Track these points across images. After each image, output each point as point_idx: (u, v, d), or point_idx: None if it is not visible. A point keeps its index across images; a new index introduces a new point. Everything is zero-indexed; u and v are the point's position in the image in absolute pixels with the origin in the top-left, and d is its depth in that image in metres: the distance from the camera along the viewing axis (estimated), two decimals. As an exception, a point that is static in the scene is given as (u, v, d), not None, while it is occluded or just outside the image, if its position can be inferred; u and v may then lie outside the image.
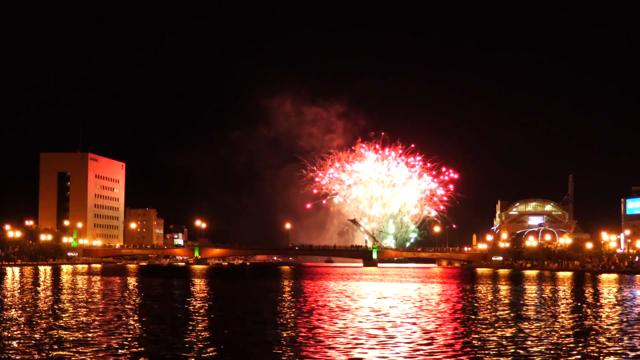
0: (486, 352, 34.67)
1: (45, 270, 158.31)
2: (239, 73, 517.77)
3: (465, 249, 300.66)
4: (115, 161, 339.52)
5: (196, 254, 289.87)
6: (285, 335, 40.31)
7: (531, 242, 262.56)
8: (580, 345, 37.41)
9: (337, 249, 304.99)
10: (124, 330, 41.66)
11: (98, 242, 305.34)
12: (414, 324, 46.18)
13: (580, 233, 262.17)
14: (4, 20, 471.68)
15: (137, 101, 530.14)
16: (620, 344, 38.05)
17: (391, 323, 46.40)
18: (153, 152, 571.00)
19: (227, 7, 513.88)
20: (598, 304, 67.11)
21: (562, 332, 42.76)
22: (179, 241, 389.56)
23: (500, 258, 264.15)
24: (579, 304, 66.80)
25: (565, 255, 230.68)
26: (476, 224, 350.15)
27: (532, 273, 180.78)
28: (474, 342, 38.01)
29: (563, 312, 56.96)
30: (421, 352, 34.26)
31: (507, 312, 56.60)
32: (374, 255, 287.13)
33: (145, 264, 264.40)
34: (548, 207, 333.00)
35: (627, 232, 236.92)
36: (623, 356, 34.12)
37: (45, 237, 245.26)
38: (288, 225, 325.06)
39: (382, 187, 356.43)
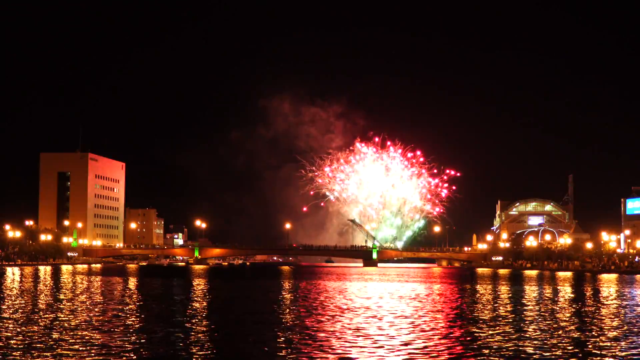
0: (486, 352, 34.66)
1: (45, 270, 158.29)
2: (239, 73, 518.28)
3: (465, 249, 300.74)
4: (115, 161, 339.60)
5: (196, 254, 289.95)
6: (285, 335, 40.31)
7: (531, 242, 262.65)
8: (580, 345, 37.42)
9: (338, 249, 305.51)
10: (124, 330, 41.64)
11: (98, 242, 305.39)
12: (414, 323, 46.17)
13: (580, 233, 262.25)
14: (4, 20, 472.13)
15: (137, 101, 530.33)
16: (620, 343, 38.06)
17: (391, 323, 46.40)
18: (153, 152, 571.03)
19: (227, 7, 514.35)
20: (598, 304, 67.09)
21: (562, 332, 42.75)
22: (179, 241, 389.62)
23: (500, 258, 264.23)
24: (579, 304, 66.79)
25: (565, 255, 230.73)
26: (476, 224, 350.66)
27: (532, 273, 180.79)
28: (474, 342, 38.00)
29: (563, 312, 56.94)
30: (421, 352, 34.26)
31: (506, 312, 56.59)
32: (374, 255, 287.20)
33: (145, 264, 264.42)
34: (548, 207, 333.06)
35: (627, 232, 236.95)
36: (623, 356, 34.12)
37: (45, 237, 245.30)
38: (288, 225, 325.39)
39: (381, 187, 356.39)
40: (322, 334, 40.28)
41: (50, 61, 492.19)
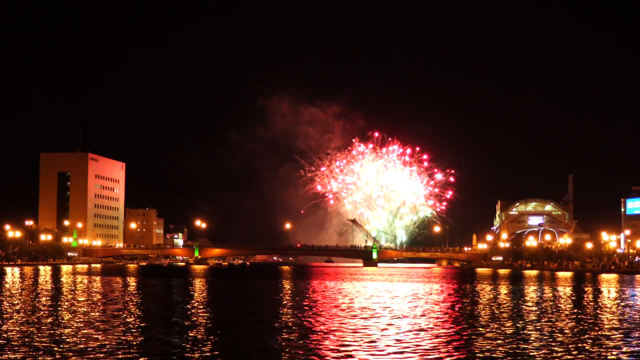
0: (486, 352, 34.65)
1: (45, 270, 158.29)
2: (239, 73, 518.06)
3: (465, 249, 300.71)
4: (115, 161, 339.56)
5: (196, 254, 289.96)
6: (284, 335, 40.29)
7: (531, 242, 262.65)
8: (580, 345, 37.40)
9: (338, 249, 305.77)
10: (124, 330, 41.64)
11: (98, 242, 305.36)
12: (413, 323, 46.17)
13: (580, 233, 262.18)
14: (4, 20, 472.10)
15: (137, 101, 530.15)
16: (620, 343, 38.04)
17: (390, 323, 46.39)
18: (153, 152, 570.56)
19: (227, 7, 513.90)
20: (598, 304, 67.09)
21: (561, 332, 42.74)
22: (179, 241, 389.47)
23: (500, 258, 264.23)
24: (579, 304, 66.78)
25: (565, 255, 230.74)
26: (476, 224, 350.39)
27: (532, 273, 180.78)
28: (474, 342, 37.99)
29: (563, 312, 56.92)
30: (421, 352, 34.24)
31: (506, 312, 56.58)
32: (374, 255, 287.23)
33: (145, 264, 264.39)
34: (548, 207, 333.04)
35: (627, 232, 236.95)
36: (623, 356, 34.10)
37: (45, 237, 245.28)
38: (288, 225, 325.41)
39: (381, 187, 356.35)
40: (322, 334, 40.27)
41: (50, 61, 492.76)
